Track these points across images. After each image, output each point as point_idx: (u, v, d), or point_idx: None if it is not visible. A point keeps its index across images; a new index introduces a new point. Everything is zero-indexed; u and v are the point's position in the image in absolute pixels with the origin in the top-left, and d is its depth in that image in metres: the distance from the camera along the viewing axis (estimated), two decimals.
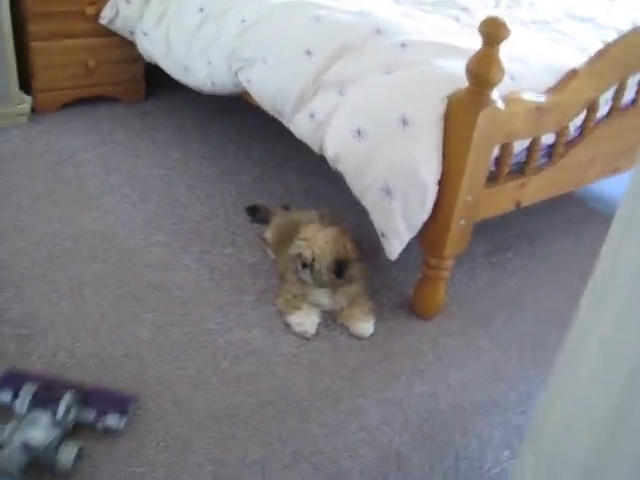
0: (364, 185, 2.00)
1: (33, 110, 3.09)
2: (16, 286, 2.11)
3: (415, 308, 2.18)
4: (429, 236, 2.01)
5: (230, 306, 2.12)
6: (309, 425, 1.77)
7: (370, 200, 1.99)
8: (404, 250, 2.07)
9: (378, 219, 2.00)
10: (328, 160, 2.12)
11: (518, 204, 2.19)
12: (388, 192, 1.93)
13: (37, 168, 2.73)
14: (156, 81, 3.34)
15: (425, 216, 1.95)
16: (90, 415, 1.65)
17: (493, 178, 2.05)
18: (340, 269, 2.02)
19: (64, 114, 3.15)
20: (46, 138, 2.95)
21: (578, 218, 2.82)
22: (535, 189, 2.21)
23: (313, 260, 2.01)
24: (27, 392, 1.61)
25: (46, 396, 1.61)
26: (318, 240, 2.02)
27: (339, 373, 1.93)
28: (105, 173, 2.75)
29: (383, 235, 2.01)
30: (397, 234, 1.97)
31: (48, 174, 2.70)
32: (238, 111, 3.27)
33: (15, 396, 1.63)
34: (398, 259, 2.17)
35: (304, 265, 2.03)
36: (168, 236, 2.41)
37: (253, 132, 3.16)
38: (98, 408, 1.66)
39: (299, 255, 2.03)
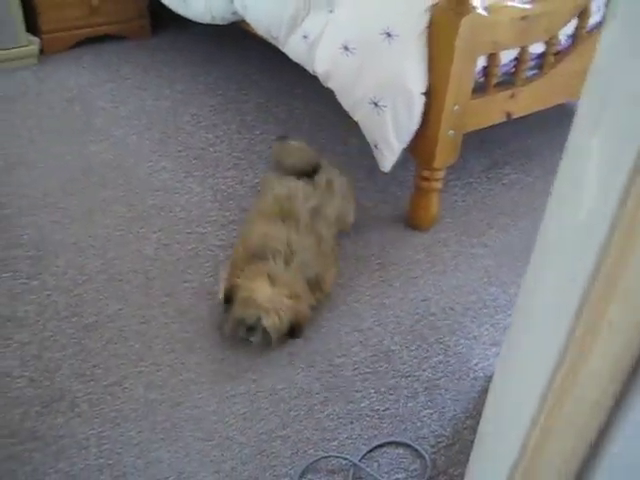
0: (354, 100, 2.06)
1: (42, 51, 3.16)
2: (29, 214, 2.22)
3: (410, 220, 2.26)
4: (420, 147, 2.08)
5: (233, 224, 2.22)
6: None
7: (360, 114, 2.06)
8: (400, 167, 2.14)
9: (369, 131, 2.07)
10: (320, 78, 2.18)
11: (509, 115, 2.23)
12: (377, 104, 1.99)
13: (47, 105, 2.82)
14: (161, 17, 3.39)
15: (414, 126, 2.01)
16: None
17: (481, 89, 2.09)
18: (295, 331, 1.82)
19: (72, 54, 3.23)
20: (55, 77, 3.04)
21: None
22: (526, 100, 2.25)
23: (264, 329, 1.75)
24: None
25: None
26: (276, 307, 1.74)
27: (335, 281, 2.02)
28: (113, 107, 2.84)
29: (376, 147, 2.07)
30: (388, 145, 2.04)
31: (58, 111, 2.79)
32: (242, 45, 3.32)
33: None
34: (395, 176, 2.24)
35: (251, 329, 1.77)
36: (173, 162, 2.50)
37: (257, 64, 3.21)
38: None
39: (245, 320, 1.76)
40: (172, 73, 3.11)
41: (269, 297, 1.74)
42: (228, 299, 1.83)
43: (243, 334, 1.79)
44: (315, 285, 1.87)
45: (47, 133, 2.64)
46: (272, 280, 1.77)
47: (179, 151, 2.57)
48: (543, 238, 0.88)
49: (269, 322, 1.72)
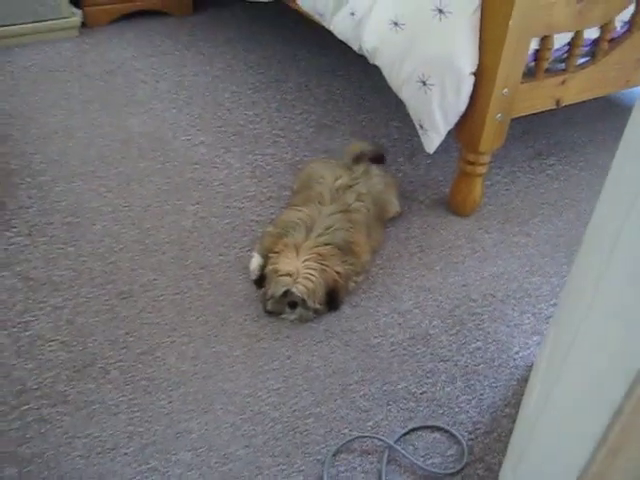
0: (401, 77, 2.01)
1: (83, 24, 3.15)
2: (67, 181, 2.20)
3: (452, 205, 2.21)
4: (466, 130, 2.02)
5: (271, 200, 2.18)
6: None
7: (407, 92, 2.01)
8: (443, 151, 2.08)
9: (415, 110, 2.02)
10: (367, 56, 2.13)
11: (558, 102, 2.17)
12: (424, 83, 1.94)
13: (88, 77, 2.81)
14: None
15: (462, 107, 1.96)
16: None
17: (532, 73, 2.04)
18: (333, 299, 1.79)
19: (115, 28, 3.22)
20: (96, 50, 3.02)
21: (624, 126, 2.76)
22: (577, 88, 2.18)
23: (303, 299, 1.72)
24: None
25: None
26: (303, 272, 1.71)
27: (374, 262, 1.98)
28: (153, 81, 2.81)
29: (421, 127, 2.03)
30: (434, 126, 1.99)
31: (99, 82, 2.77)
32: (284, 24, 3.28)
33: None
34: (438, 160, 2.19)
35: (293, 305, 1.75)
36: (212, 137, 2.47)
37: (299, 43, 3.17)
38: None
39: (286, 294, 1.72)
40: (212, 50, 3.08)
41: (294, 265, 1.71)
42: (260, 282, 1.80)
43: (282, 311, 1.76)
44: (347, 250, 1.82)
45: (87, 104, 2.62)
46: (296, 250, 1.74)
47: (218, 127, 2.54)
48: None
49: (300, 288, 1.69)
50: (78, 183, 2.20)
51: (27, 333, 1.69)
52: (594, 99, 2.32)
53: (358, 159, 2.13)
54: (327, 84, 2.87)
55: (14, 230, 1.98)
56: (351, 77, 2.89)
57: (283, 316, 1.78)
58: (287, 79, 2.89)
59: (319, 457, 1.47)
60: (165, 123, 2.54)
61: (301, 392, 1.61)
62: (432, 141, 2.03)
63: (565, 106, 2.18)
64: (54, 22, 3.02)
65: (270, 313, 1.78)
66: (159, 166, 2.31)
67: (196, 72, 2.89)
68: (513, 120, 2.05)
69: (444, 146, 2.09)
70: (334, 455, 1.47)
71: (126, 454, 1.45)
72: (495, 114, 1.96)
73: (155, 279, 1.87)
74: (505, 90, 1.93)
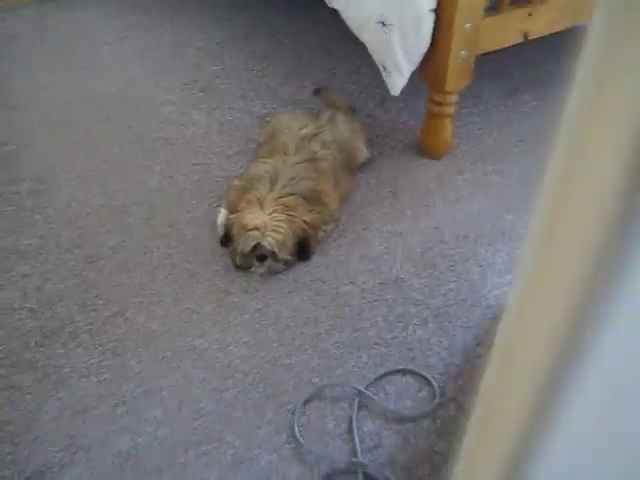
0: (360, 20, 1.96)
1: None
2: (32, 149, 2.17)
3: (423, 147, 2.17)
4: (430, 69, 1.98)
5: (238, 155, 2.15)
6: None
7: (367, 34, 1.96)
8: (413, 95, 2.04)
9: (377, 52, 1.97)
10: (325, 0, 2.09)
11: (526, 36, 2.12)
12: (384, 23, 1.89)
13: (50, 41, 2.75)
14: None
15: (424, 46, 1.91)
16: None
17: (495, 7, 1.98)
18: (303, 249, 1.77)
19: None
20: (57, 14, 2.96)
21: None
22: (545, 19, 2.13)
23: (273, 252, 1.71)
24: None
25: None
26: (271, 225, 1.70)
27: (344, 210, 1.96)
28: (117, 42, 2.76)
29: (384, 69, 1.98)
30: (397, 67, 1.95)
31: (61, 46, 2.72)
32: None
33: None
34: (410, 104, 2.15)
35: (262, 258, 1.73)
36: (179, 96, 2.44)
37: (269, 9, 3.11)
38: None
39: (255, 248, 1.71)
40: (177, 7, 3.02)
41: (261, 219, 1.69)
42: (227, 238, 1.78)
43: (251, 265, 1.74)
44: (313, 199, 1.80)
45: (50, 70, 2.58)
46: (260, 204, 1.72)
47: (185, 84, 2.50)
48: None
49: (269, 241, 1.68)
50: (44, 150, 2.17)
51: None
52: (567, 31, 2.26)
53: (330, 107, 2.10)
54: (295, 34, 2.81)
55: None
56: (319, 26, 2.83)
57: (252, 269, 1.76)
58: (254, 32, 2.83)
59: (289, 407, 1.47)
60: (131, 84, 2.50)
61: (271, 344, 1.60)
62: (396, 83, 1.99)
63: (536, 40, 2.13)
64: None
65: (239, 267, 1.77)
66: (125, 128, 2.27)
67: (161, 31, 2.84)
68: (484, 58, 2.00)
69: (414, 89, 2.05)
70: (304, 404, 1.47)
71: (97, 415, 1.45)
72: (458, 51, 1.92)
73: (123, 241, 1.86)
74: (467, 25, 1.88)
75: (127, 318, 1.65)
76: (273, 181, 1.79)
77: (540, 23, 2.12)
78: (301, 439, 1.39)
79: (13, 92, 2.43)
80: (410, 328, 1.65)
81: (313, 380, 1.52)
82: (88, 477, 1.34)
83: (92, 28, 2.84)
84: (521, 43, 2.09)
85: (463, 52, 1.92)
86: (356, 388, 1.49)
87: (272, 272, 1.76)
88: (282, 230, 1.70)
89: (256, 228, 1.70)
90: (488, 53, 2.03)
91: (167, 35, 2.81)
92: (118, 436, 1.41)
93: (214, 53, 2.68)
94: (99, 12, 2.97)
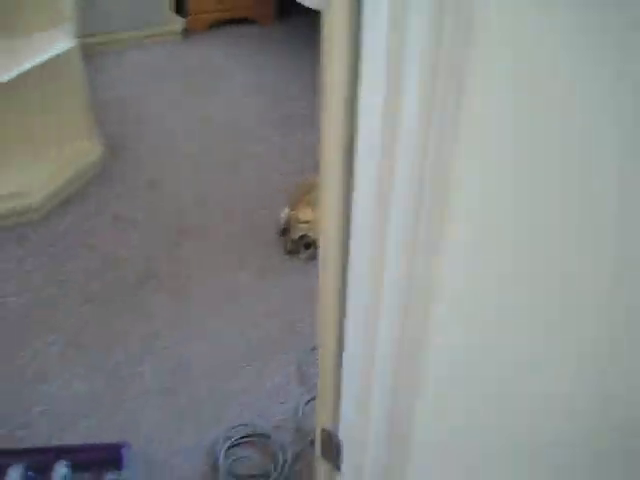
0: None
1: (186, 30, 3.83)
2: (156, 150, 2.85)
3: None
4: None
5: (308, 170, 2.74)
6: None
7: None
8: None
9: None
10: None
11: None
12: None
13: (184, 72, 3.48)
14: (287, 5, 3.98)
15: None
16: None
17: None
18: None
19: (210, 33, 3.88)
20: (193, 51, 3.69)
21: None
22: None
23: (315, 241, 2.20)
24: (16, 474, 1.45)
25: (37, 473, 1.49)
26: (317, 221, 2.13)
27: None
28: (234, 76, 3.45)
29: None
30: None
31: (191, 77, 3.44)
32: None
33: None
34: None
35: (307, 246, 2.30)
36: (273, 122, 3.07)
37: None
38: (93, 471, 1.55)
39: (302, 238, 2.30)
40: (286, 54, 3.68)
41: (311, 216, 2.26)
42: (285, 229, 2.36)
43: (298, 250, 2.32)
44: None
45: (180, 93, 3.29)
46: (313, 205, 2.29)
47: (280, 114, 3.13)
48: None
49: (314, 232, 2.24)
50: (164, 152, 2.85)
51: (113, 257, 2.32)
52: None
53: None
54: None
55: (116, 186, 2.64)
56: None
57: (299, 256, 2.33)
58: None
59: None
60: (237, 109, 3.16)
61: (295, 308, 2.14)
62: None
63: None
64: (161, 28, 3.71)
65: (289, 252, 2.34)
66: (228, 142, 2.92)
67: (270, 70, 3.50)
68: None
69: None
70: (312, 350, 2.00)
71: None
72: None
73: (207, 222, 2.47)
74: None
75: (197, 277, 2.25)
76: None
77: None
78: None
79: (152, 107, 3.14)
80: None
81: None
82: None
83: (217, 64, 3.54)
84: None
85: None
86: None
87: (313, 258, 2.32)
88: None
89: (306, 222, 2.27)
90: None
91: (273, 75, 3.46)
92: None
93: (306, 93, 3.30)
94: (225, 52, 3.68)
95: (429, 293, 0.87)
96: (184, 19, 3.81)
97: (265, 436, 1.75)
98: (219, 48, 3.73)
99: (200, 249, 2.36)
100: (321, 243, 1.02)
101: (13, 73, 2.21)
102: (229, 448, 1.71)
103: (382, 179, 0.84)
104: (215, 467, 1.67)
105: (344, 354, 1.07)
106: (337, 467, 1.27)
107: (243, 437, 1.74)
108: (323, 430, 1.27)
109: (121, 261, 2.30)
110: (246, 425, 1.77)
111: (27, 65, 2.26)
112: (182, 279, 2.24)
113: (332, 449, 1.26)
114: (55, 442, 1.70)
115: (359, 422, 1.14)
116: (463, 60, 0.67)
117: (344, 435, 1.20)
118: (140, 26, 3.66)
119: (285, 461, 1.68)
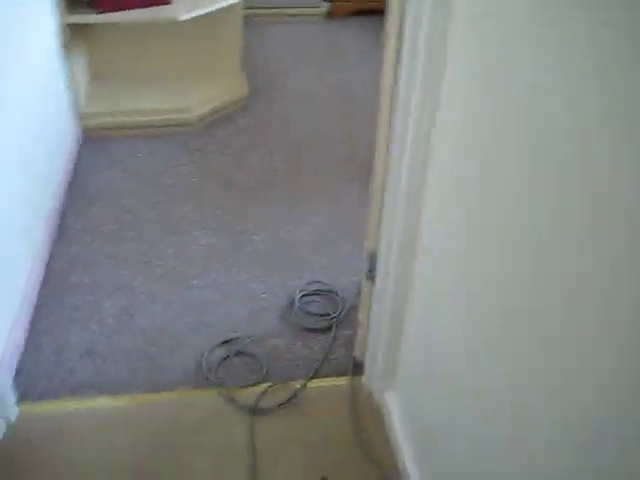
0: None
1: (328, 14, 4.52)
2: (291, 107, 3.53)
3: None
4: None
5: None
6: None
7: None
8: None
9: None
10: None
11: None
12: None
13: (322, 47, 4.16)
14: None
15: None
16: None
17: None
18: None
19: (348, 19, 4.55)
20: (331, 32, 4.37)
21: None
22: None
23: None
24: None
25: None
26: None
27: None
28: (360, 54, 4.09)
29: None
30: None
31: (330, 53, 4.12)
32: None
33: None
34: None
35: None
36: None
37: None
38: None
39: None
40: None
41: None
42: None
43: None
44: None
45: (315, 64, 3.97)
46: None
47: None
48: None
49: None
50: (294, 99, 3.53)
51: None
52: None
53: None
54: None
55: (254, 117, 3.34)
56: None
57: None
58: None
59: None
60: (354, 79, 3.80)
61: None
62: None
63: None
64: (307, 9, 4.42)
65: None
66: (347, 103, 3.56)
67: None
68: None
69: None
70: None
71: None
72: None
73: (318, 151, 3.11)
74: None
75: (307, 184, 2.89)
76: None
77: None
78: None
79: (285, 68, 3.83)
80: None
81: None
82: None
83: (349, 45, 4.21)
84: None
85: None
86: None
87: None
88: None
89: None
90: None
91: None
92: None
93: None
94: (358, 36, 4.33)
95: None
96: (329, 3, 4.50)
97: (333, 292, 2.34)
98: (354, 33, 4.38)
99: (311, 166, 3.00)
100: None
101: (192, 14, 2.94)
102: (303, 296, 2.32)
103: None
104: (291, 304, 2.29)
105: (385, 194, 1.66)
106: (373, 279, 1.86)
107: (317, 290, 2.35)
108: (369, 253, 1.86)
109: (251, 167, 2.98)
110: (320, 282, 2.37)
111: (202, 11, 2.99)
112: (295, 185, 2.89)
113: (373, 267, 1.85)
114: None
115: (387, 236, 1.72)
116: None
117: (380, 251, 1.77)
118: (292, 5, 4.38)
119: (344, 308, 2.28)
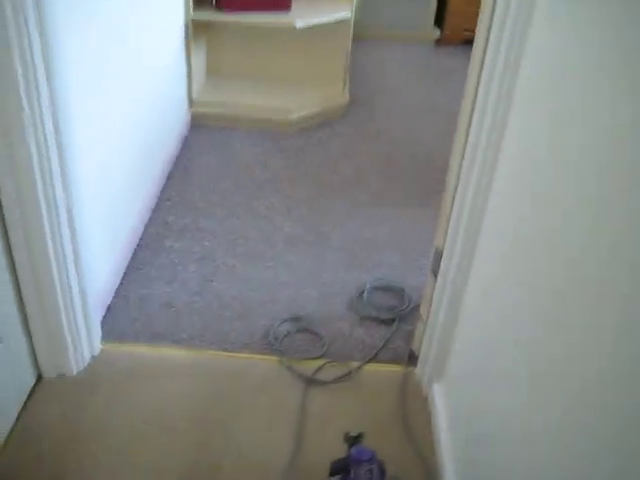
0: None
1: (438, 40, 4.67)
2: (390, 119, 3.69)
3: None
4: None
5: None
6: None
7: None
8: None
9: None
10: None
11: None
12: None
13: (425, 70, 4.32)
14: None
15: None
16: None
17: None
18: None
19: (456, 48, 4.68)
20: (437, 57, 4.52)
21: None
22: None
23: None
24: None
25: None
26: None
27: None
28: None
29: None
30: None
31: (432, 73, 4.27)
32: None
33: None
34: None
35: None
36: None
37: None
38: None
39: None
40: None
41: None
42: None
43: None
44: None
45: (415, 84, 4.12)
46: None
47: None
48: None
49: None
50: (392, 114, 3.68)
51: None
52: None
53: None
54: None
55: (351, 127, 3.51)
56: None
57: None
58: None
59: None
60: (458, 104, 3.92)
61: None
62: None
63: None
64: (420, 32, 4.59)
65: None
66: (441, 127, 3.69)
67: None
68: None
69: None
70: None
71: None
72: None
73: (402, 162, 3.25)
74: None
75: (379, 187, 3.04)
76: None
77: None
78: None
79: (388, 85, 3.99)
80: None
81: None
82: None
83: (445, 71, 4.34)
84: None
85: None
86: None
87: None
88: None
89: None
90: None
91: None
92: None
93: None
94: (457, 63, 4.45)
95: None
96: (440, 30, 4.65)
97: (401, 289, 2.47)
98: (461, 60, 4.48)
99: (400, 177, 3.14)
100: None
101: (308, 23, 3.15)
102: (372, 288, 2.46)
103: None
104: (360, 295, 2.42)
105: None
106: (435, 275, 1.98)
107: (385, 285, 2.48)
108: (436, 250, 1.99)
109: (343, 170, 3.15)
110: (390, 279, 2.50)
111: (317, 20, 3.19)
112: (382, 191, 3.04)
113: (438, 264, 1.97)
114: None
115: (452, 234, 1.84)
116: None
117: (445, 249, 1.89)
118: (404, 28, 4.56)
119: (409, 305, 2.40)
